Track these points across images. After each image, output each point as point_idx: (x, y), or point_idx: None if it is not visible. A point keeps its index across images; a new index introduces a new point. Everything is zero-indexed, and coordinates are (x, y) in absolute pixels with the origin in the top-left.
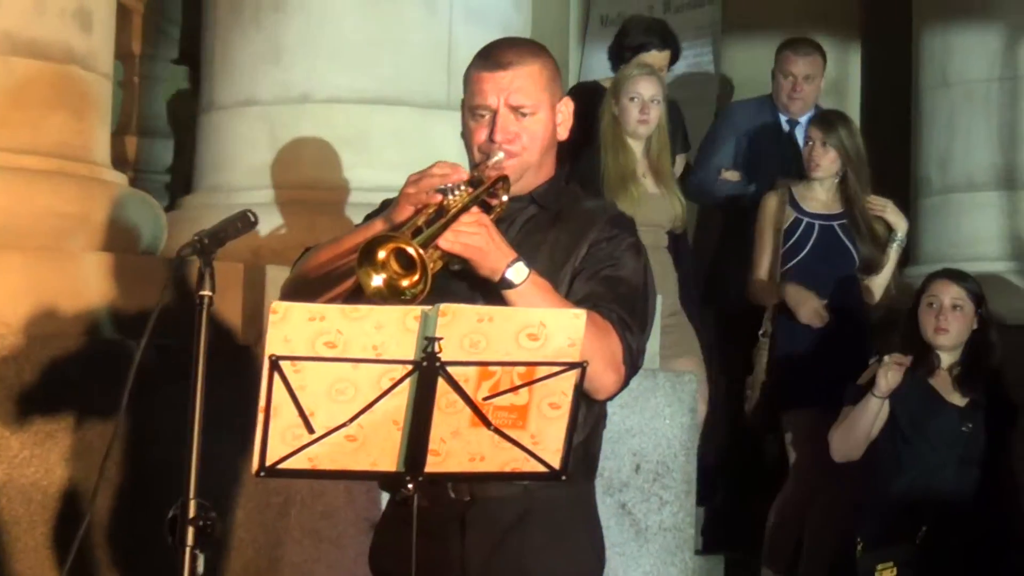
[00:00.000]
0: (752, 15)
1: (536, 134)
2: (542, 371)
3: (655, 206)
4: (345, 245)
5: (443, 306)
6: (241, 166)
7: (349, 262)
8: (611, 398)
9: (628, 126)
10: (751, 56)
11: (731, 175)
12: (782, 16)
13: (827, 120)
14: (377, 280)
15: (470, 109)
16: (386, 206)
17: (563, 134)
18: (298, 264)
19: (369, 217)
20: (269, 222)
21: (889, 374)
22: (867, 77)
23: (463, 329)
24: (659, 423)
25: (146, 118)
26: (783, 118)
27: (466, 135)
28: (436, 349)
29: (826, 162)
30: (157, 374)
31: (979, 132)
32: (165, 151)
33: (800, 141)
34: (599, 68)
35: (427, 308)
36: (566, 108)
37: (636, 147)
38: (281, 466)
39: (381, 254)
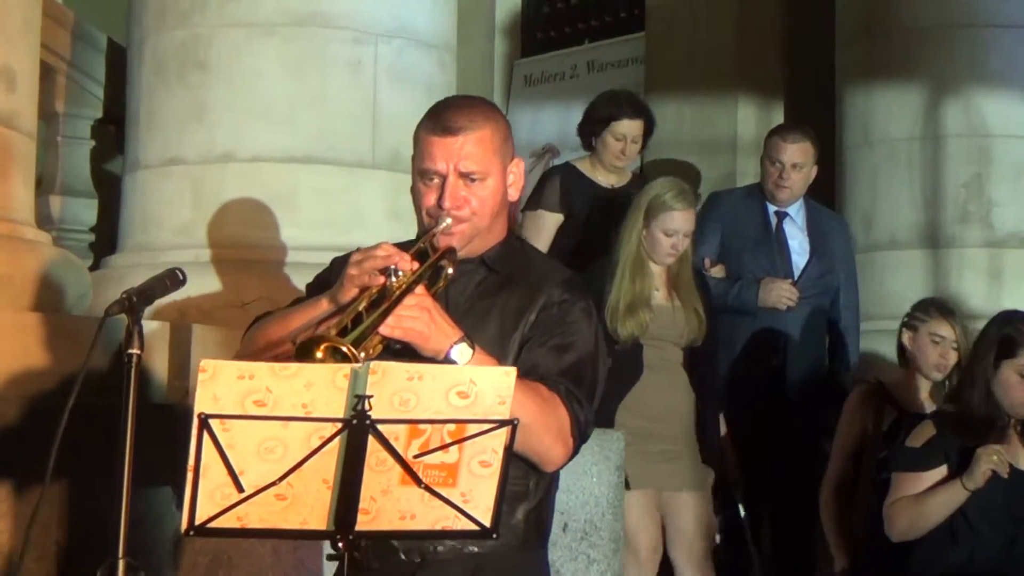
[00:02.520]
0: (675, 74)
1: (486, 199)
2: (472, 429)
3: (666, 319)
4: (293, 323)
5: (373, 364)
6: (166, 225)
7: (286, 351)
8: (559, 469)
9: (656, 255)
10: (675, 115)
11: (717, 271)
12: (705, 75)
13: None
14: None
15: (419, 172)
16: (334, 266)
17: (514, 195)
18: (247, 336)
19: (320, 277)
20: (195, 281)
21: (990, 465)
22: None
23: (393, 387)
24: (587, 481)
25: (69, 177)
26: (770, 209)
27: (415, 196)
28: (366, 407)
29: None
30: (83, 433)
31: (902, 191)
32: (89, 210)
33: (788, 237)
34: (523, 127)
35: (357, 366)
36: (517, 169)
37: (656, 268)
38: (210, 525)
39: (318, 353)
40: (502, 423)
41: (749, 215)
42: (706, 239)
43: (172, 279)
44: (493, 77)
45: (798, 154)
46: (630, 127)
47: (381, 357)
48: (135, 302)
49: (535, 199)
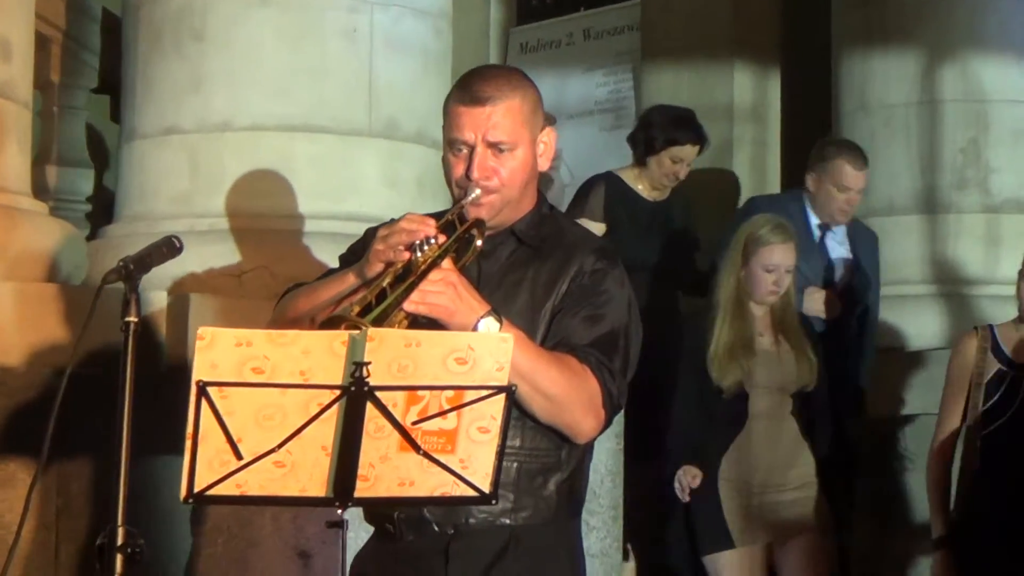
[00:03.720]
0: (672, 41)
1: (515, 170)
2: (470, 395)
3: (774, 366)
4: (320, 297)
5: (371, 331)
6: (163, 195)
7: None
8: (591, 440)
9: (757, 295)
10: (671, 81)
11: None
12: (701, 41)
13: None
14: None
15: (448, 142)
16: (369, 236)
17: (544, 165)
18: (277, 307)
19: (352, 248)
20: (193, 251)
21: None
22: (787, 102)
23: (391, 354)
24: None
25: (66, 148)
26: (814, 222)
27: (445, 166)
28: (364, 374)
29: None
30: (85, 403)
31: (899, 156)
32: (85, 180)
33: (830, 250)
34: None
35: (355, 332)
36: (548, 138)
37: (758, 309)
38: (209, 492)
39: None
40: (500, 389)
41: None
42: None
43: (169, 247)
44: (489, 45)
45: (863, 180)
46: (690, 152)
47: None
48: (132, 270)
49: (578, 206)
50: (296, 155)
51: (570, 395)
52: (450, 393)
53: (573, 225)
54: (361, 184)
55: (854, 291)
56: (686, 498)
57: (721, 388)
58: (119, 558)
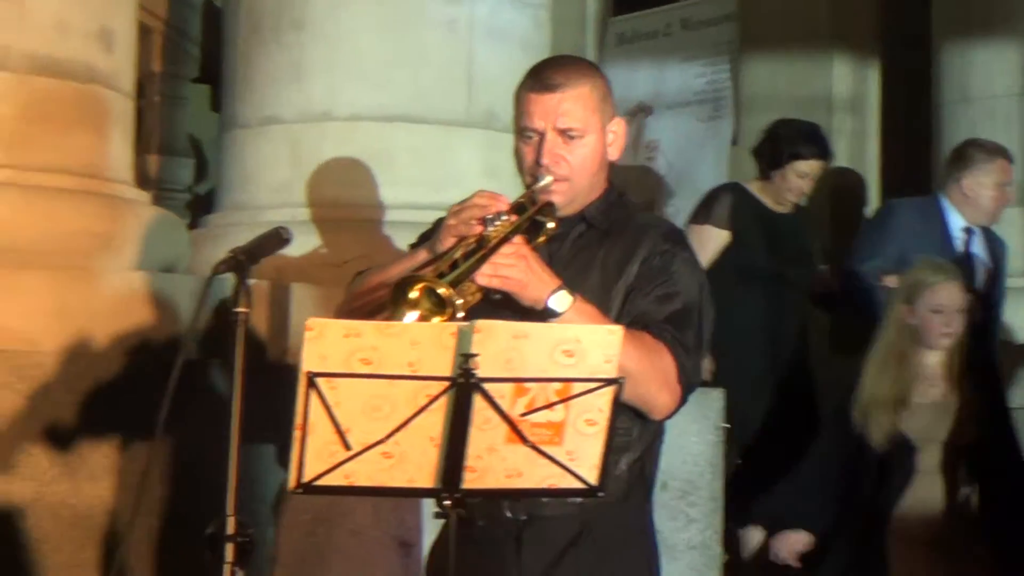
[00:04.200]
0: (770, 31)
1: (584, 158)
2: (578, 387)
3: (940, 417)
4: (392, 273)
5: (479, 323)
6: (264, 184)
7: (383, 296)
8: (667, 417)
9: (928, 339)
10: (769, 72)
11: (891, 280)
12: (800, 32)
13: None
14: (411, 317)
15: (519, 130)
16: (439, 226)
17: (614, 154)
18: (350, 288)
19: (424, 236)
20: (293, 240)
21: None
22: (886, 92)
23: (498, 346)
24: (685, 440)
25: (167, 137)
26: (957, 224)
27: (516, 155)
28: (472, 366)
29: None
30: (182, 390)
31: None
32: (186, 169)
33: (980, 253)
34: (617, 86)
35: (463, 325)
36: (618, 128)
37: (931, 357)
38: (318, 483)
39: (413, 293)
40: (608, 382)
41: (928, 228)
42: (881, 250)
43: (278, 238)
44: (586, 35)
45: (1011, 172)
46: (815, 167)
47: (480, 307)
48: (242, 261)
49: (703, 213)
50: (395, 145)
51: (646, 370)
52: (558, 385)
53: (641, 210)
54: (460, 174)
55: (992, 297)
56: (796, 564)
57: (870, 441)
58: (230, 547)
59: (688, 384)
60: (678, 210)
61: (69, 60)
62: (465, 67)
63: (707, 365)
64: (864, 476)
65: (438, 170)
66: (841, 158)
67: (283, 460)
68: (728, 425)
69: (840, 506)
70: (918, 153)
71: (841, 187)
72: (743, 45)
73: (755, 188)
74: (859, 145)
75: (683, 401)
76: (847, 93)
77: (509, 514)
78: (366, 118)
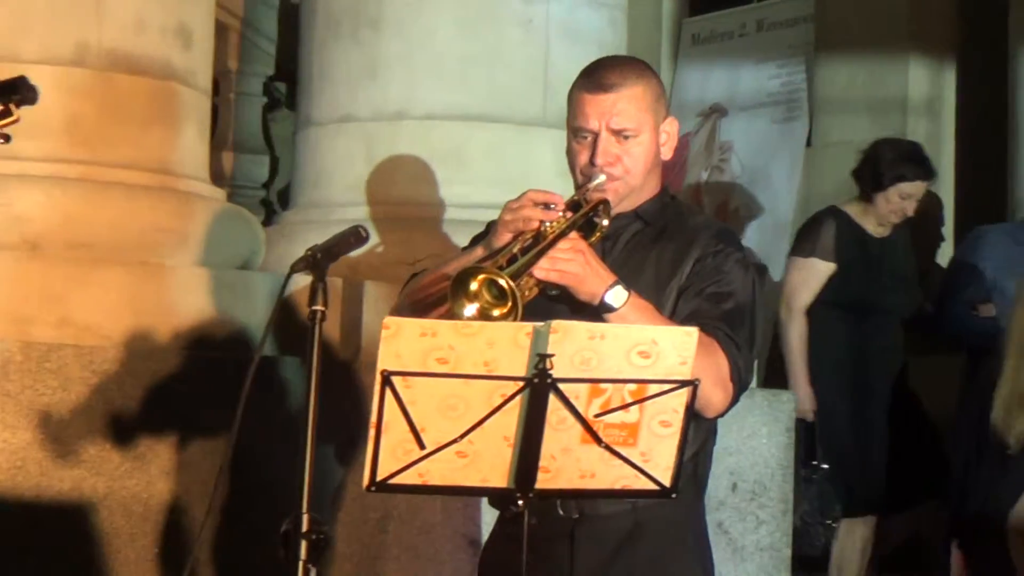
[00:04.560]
0: (846, 33)
1: (638, 157)
2: (653, 389)
3: None
4: (449, 271)
5: (555, 323)
6: (338, 182)
7: (443, 289)
8: (721, 415)
9: None
10: (844, 74)
11: (987, 309)
12: (876, 34)
13: None
14: (470, 309)
15: (573, 130)
16: (491, 227)
17: (667, 154)
18: (405, 288)
19: (475, 239)
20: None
21: None
22: (962, 95)
23: (574, 346)
24: (756, 442)
25: (242, 134)
26: None
27: (569, 155)
28: (548, 366)
29: None
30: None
31: None
32: (261, 167)
33: None
34: (691, 86)
35: (539, 325)
36: (671, 128)
37: None
38: (392, 481)
39: (473, 285)
40: (683, 383)
41: (1020, 251)
42: (974, 278)
43: (356, 237)
44: (661, 36)
45: None
46: (919, 188)
47: (537, 302)
48: (319, 259)
49: (808, 245)
50: (470, 144)
51: (700, 368)
52: (633, 387)
53: (695, 211)
54: (536, 174)
55: None
56: None
57: (1006, 444)
58: (304, 544)
59: (741, 383)
60: (751, 212)
61: (147, 57)
62: (541, 66)
63: (808, 403)
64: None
65: (513, 169)
66: None
67: (342, 458)
68: (826, 466)
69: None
70: (994, 156)
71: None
72: (818, 46)
73: (855, 212)
74: (934, 148)
75: (735, 400)
76: (923, 96)
77: (561, 512)
78: (441, 117)
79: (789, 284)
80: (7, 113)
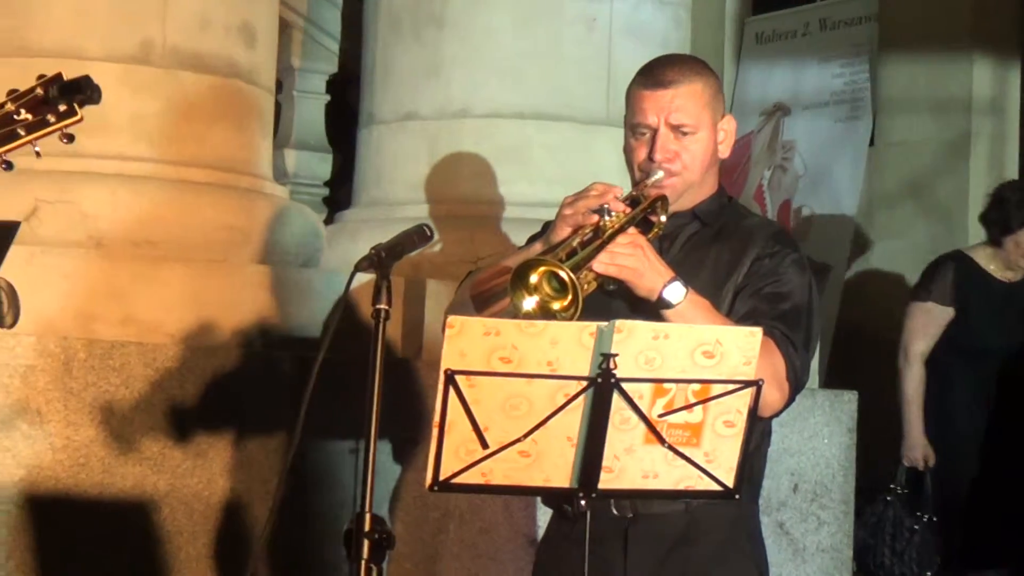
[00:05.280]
0: (909, 32)
1: (696, 153)
2: (717, 389)
3: None
4: (508, 264)
5: (619, 322)
6: (400, 180)
7: (503, 282)
8: (776, 415)
9: None
10: (907, 73)
11: None
12: (940, 33)
13: None
14: (530, 303)
15: (631, 127)
16: (548, 228)
17: (724, 152)
18: (462, 285)
19: (533, 238)
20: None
21: None
22: None
23: (638, 346)
24: (818, 443)
25: (304, 132)
26: None
27: (627, 152)
28: (611, 365)
29: None
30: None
31: None
32: (323, 164)
33: None
34: (754, 85)
35: (603, 324)
36: (728, 126)
37: None
38: (455, 480)
39: (533, 277)
40: (748, 383)
41: None
42: None
43: (420, 235)
44: (724, 35)
45: None
46: None
47: (594, 297)
48: (384, 258)
49: (925, 290)
50: (533, 142)
51: (759, 367)
52: (697, 387)
53: (752, 212)
54: (598, 173)
55: None
56: None
57: None
58: (366, 544)
59: (797, 383)
60: (813, 211)
61: (212, 55)
62: (604, 65)
63: (919, 451)
64: None
65: (575, 168)
66: (980, 161)
67: (404, 457)
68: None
69: None
70: None
71: None
72: (882, 45)
73: (981, 256)
74: (999, 148)
75: (791, 400)
76: (987, 95)
77: (615, 512)
78: (504, 115)
79: (906, 330)
80: (71, 113)
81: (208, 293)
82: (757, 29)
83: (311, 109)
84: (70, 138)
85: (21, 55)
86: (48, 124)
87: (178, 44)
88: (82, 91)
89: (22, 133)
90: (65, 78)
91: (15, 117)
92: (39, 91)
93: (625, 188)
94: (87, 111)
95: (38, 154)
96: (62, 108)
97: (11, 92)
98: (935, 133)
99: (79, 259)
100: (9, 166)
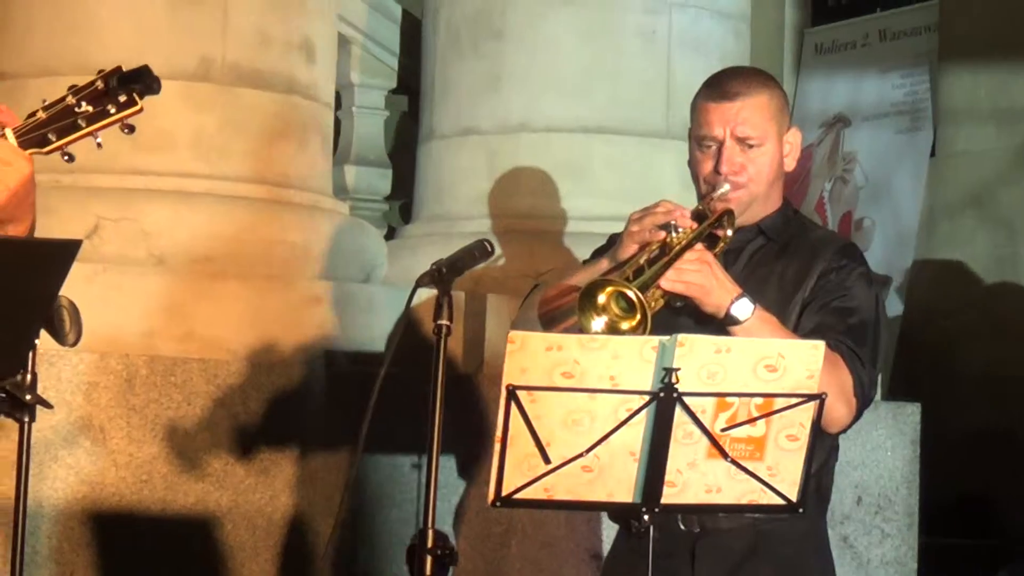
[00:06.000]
0: (970, 42)
1: (763, 166)
2: (780, 403)
3: None
4: (576, 283)
5: (681, 336)
6: (460, 195)
7: (571, 301)
8: (844, 431)
9: None
10: (968, 83)
11: None
12: (1001, 42)
13: None
14: (598, 323)
15: (696, 139)
16: (613, 241)
17: (790, 165)
18: (526, 301)
19: (597, 252)
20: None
21: None
22: None
23: (701, 360)
24: (881, 455)
25: (363, 147)
26: None
27: (692, 165)
28: (674, 380)
29: None
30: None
31: None
32: (383, 180)
33: None
34: (814, 97)
35: (665, 339)
36: (794, 139)
37: None
38: (517, 496)
39: (601, 297)
40: (811, 397)
41: None
42: None
43: (481, 251)
44: (784, 46)
45: None
46: None
47: (660, 314)
48: (445, 273)
49: None
50: (593, 156)
51: (824, 382)
52: (760, 400)
53: (817, 226)
54: (659, 186)
55: None
56: None
57: None
58: (429, 560)
59: (865, 398)
60: (874, 222)
61: (270, 71)
62: (664, 78)
63: None
64: None
65: (635, 182)
66: None
67: (466, 472)
68: None
69: None
70: None
71: None
72: (942, 56)
73: None
74: None
75: (858, 415)
76: None
77: (683, 527)
78: (563, 129)
79: None
80: (131, 103)
81: (269, 309)
82: (817, 40)
83: (370, 124)
84: (131, 128)
85: (84, 72)
86: (109, 115)
87: (238, 60)
88: (141, 80)
89: (83, 124)
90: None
91: (76, 110)
92: (99, 84)
93: (687, 201)
94: (151, 132)
95: (99, 145)
96: (122, 99)
97: (72, 87)
98: (997, 143)
99: (140, 276)
100: (71, 158)
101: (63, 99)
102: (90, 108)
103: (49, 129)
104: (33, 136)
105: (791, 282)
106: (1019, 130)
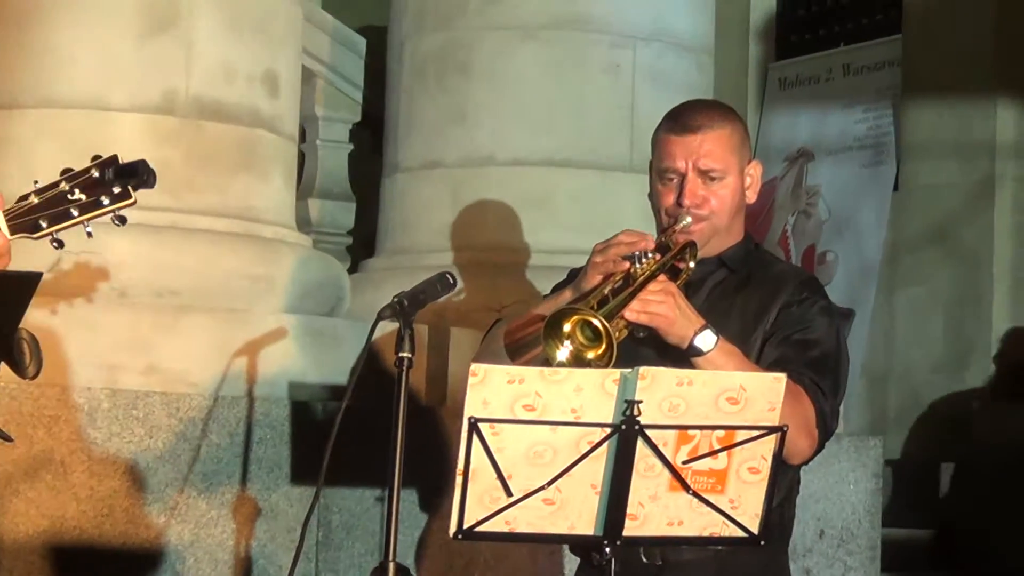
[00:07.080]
0: (933, 77)
1: (725, 198)
2: (742, 435)
3: None
4: (541, 312)
5: (643, 369)
6: (424, 228)
7: (536, 331)
8: (806, 463)
9: None
10: (931, 117)
11: None
12: (963, 77)
13: None
14: (563, 352)
15: (658, 172)
16: (573, 276)
17: (751, 197)
18: (489, 334)
19: (557, 287)
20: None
21: None
22: None
23: (662, 392)
24: (843, 488)
25: (327, 181)
26: None
27: (653, 197)
28: (636, 412)
29: None
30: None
31: None
32: (346, 213)
33: None
34: (778, 131)
35: (627, 371)
36: (754, 171)
37: None
38: (479, 529)
39: (567, 326)
40: (772, 429)
41: None
42: None
43: (443, 283)
44: (748, 81)
45: None
46: None
47: (623, 344)
48: (406, 306)
49: None
50: (558, 189)
51: (786, 415)
52: (721, 433)
53: (778, 260)
54: (622, 220)
55: None
56: None
57: None
58: None
59: (826, 430)
60: (837, 255)
61: (234, 104)
62: (628, 112)
63: None
64: None
65: (599, 215)
66: (1005, 205)
67: (427, 505)
68: None
69: None
70: None
71: None
72: (905, 90)
73: None
74: (1023, 192)
75: (820, 447)
76: (1011, 139)
77: (645, 559)
78: (528, 162)
79: None
80: (125, 195)
81: (232, 342)
82: (780, 75)
83: (334, 158)
84: (122, 220)
85: (47, 105)
86: (102, 206)
87: (201, 93)
88: (137, 175)
89: (75, 213)
90: (121, 161)
91: (69, 197)
92: (94, 172)
93: (651, 234)
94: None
95: (89, 235)
96: (116, 191)
97: (65, 171)
98: (959, 177)
99: (102, 309)
100: (60, 244)
101: (57, 184)
102: (83, 197)
103: (41, 215)
104: (24, 221)
105: (753, 315)
106: (981, 165)
